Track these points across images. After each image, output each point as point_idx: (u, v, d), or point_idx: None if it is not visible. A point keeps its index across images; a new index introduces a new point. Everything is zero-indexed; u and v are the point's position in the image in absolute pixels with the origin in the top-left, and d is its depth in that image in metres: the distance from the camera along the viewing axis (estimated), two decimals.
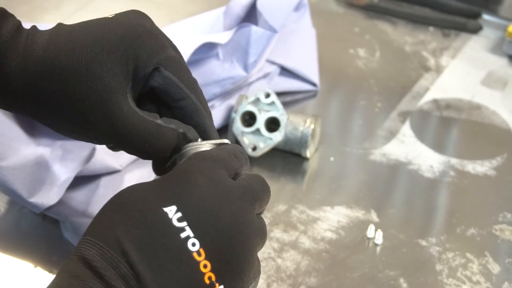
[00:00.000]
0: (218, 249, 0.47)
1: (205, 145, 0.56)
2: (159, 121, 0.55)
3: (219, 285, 0.47)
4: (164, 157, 0.56)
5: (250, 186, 0.52)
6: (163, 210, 0.47)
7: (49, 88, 0.53)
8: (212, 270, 0.46)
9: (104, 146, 0.76)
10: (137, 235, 0.46)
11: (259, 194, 0.52)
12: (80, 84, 0.52)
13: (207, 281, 0.46)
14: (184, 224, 0.47)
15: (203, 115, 0.57)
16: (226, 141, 0.57)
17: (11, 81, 0.53)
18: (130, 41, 0.54)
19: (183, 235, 0.46)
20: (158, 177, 0.52)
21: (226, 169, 0.52)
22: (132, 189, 0.49)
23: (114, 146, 0.57)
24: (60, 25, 0.55)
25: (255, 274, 0.50)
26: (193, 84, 0.57)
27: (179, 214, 0.47)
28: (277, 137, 0.83)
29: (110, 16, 0.56)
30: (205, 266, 0.46)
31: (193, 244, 0.46)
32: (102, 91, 0.52)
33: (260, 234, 0.50)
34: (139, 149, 0.55)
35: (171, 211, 0.47)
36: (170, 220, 0.46)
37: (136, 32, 0.55)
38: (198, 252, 0.46)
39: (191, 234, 0.46)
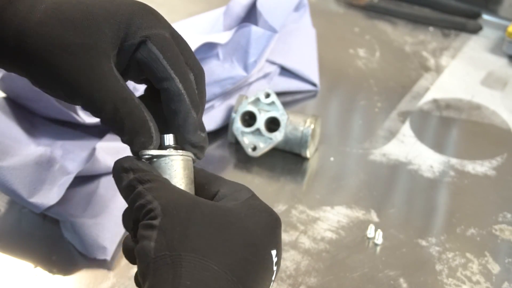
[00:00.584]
0: None
1: (176, 156, 0.54)
2: (135, 99, 0.54)
3: None
4: (122, 136, 0.54)
5: None
6: (271, 253, 0.51)
7: (44, 33, 0.53)
8: None
9: (104, 146, 0.77)
10: (248, 263, 0.49)
11: None
12: (72, 34, 0.53)
13: None
14: (275, 268, 0.51)
15: (183, 102, 0.54)
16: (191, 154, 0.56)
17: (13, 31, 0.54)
18: (127, 11, 0.55)
19: (272, 278, 0.51)
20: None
21: None
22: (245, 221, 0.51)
23: (84, 105, 0.54)
24: None
25: None
26: (180, 68, 0.55)
27: (276, 259, 0.51)
28: (277, 137, 0.84)
29: None
30: None
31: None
32: (89, 46, 0.53)
33: None
34: (106, 117, 0.54)
35: (273, 254, 0.51)
36: (272, 263, 0.51)
37: (136, 6, 0.56)
38: None
39: (273, 279, 0.52)
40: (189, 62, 0.56)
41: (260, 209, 0.52)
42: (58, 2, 0.55)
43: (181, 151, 0.55)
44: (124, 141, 0.55)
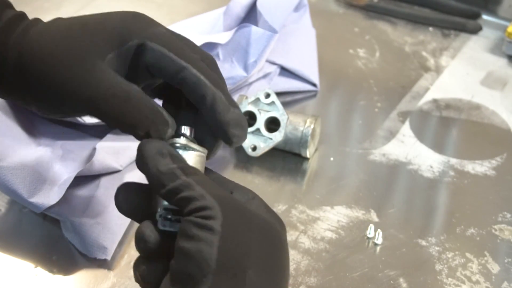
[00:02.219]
0: None
1: (191, 151, 0.52)
2: (138, 88, 0.53)
3: None
4: (137, 130, 0.52)
5: None
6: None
7: (37, 53, 0.55)
8: None
9: (104, 146, 0.77)
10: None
11: None
12: (63, 45, 0.54)
13: None
14: None
15: (205, 85, 0.52)
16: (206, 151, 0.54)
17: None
18: (117, 18, 0.56)
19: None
20: None
21: None
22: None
23: (90, 111, 0.54)
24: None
25: None
26: (189, 56, 0.54)
27: None
28: (277, 137, 0.84)
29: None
30: None
31: None
32: (81, 54, 0.54)
33: None
34: (113, 116, 0.53)
35: None
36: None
37: (127, 13, 0.56)
38: None
39: None
40: (197, 52, 0.55)
41: (276, 219, 0.53)
42: (51, 21, 0.57)
43: (198, 146, 0.53)
44: (139, 137, 0.53)
